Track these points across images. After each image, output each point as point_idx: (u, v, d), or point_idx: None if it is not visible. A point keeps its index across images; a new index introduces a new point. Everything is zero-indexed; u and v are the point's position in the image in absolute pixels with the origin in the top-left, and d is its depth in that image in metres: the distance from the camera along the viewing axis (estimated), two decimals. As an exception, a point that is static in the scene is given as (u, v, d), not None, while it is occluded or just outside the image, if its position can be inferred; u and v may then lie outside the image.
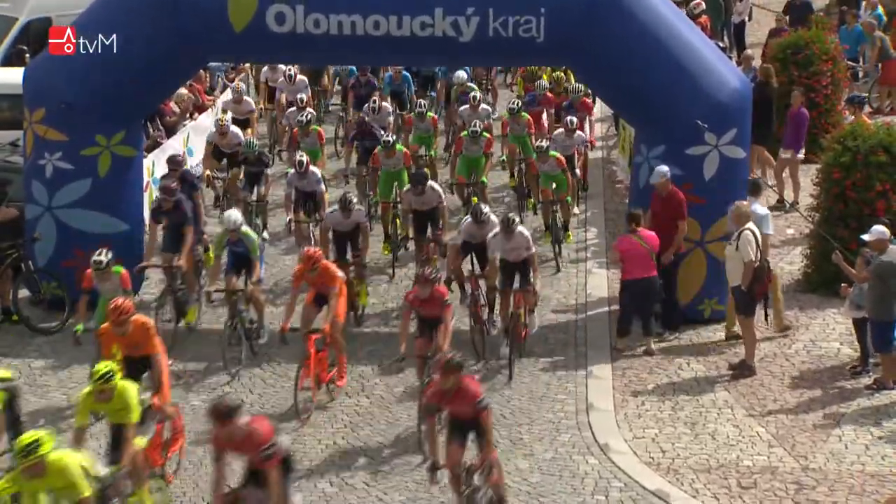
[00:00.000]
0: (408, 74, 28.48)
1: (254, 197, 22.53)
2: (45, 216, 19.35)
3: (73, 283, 18.57)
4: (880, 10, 31.00)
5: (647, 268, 18.04)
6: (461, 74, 26.97)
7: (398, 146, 22.67)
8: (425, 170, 22.16)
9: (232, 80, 28.85)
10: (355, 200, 19.55)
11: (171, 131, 24.53)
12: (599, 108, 28.82)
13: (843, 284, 17.42)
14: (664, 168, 18.50)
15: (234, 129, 23.89)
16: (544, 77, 27.58)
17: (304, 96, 25.52)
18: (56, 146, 19.19)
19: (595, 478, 15.03)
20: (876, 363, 17.25)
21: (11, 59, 27.05)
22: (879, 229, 16.98)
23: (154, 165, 22.65)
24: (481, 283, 18.83)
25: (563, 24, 18.30)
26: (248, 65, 29.69)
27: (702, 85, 18.56)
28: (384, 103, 26.17)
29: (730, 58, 25.49)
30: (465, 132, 23.42)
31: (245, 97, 26.63)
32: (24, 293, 19.51)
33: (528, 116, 24.78)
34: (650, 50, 18.42)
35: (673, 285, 18.63)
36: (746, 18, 33.35)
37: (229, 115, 25.27)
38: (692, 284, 18.83)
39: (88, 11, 19.64)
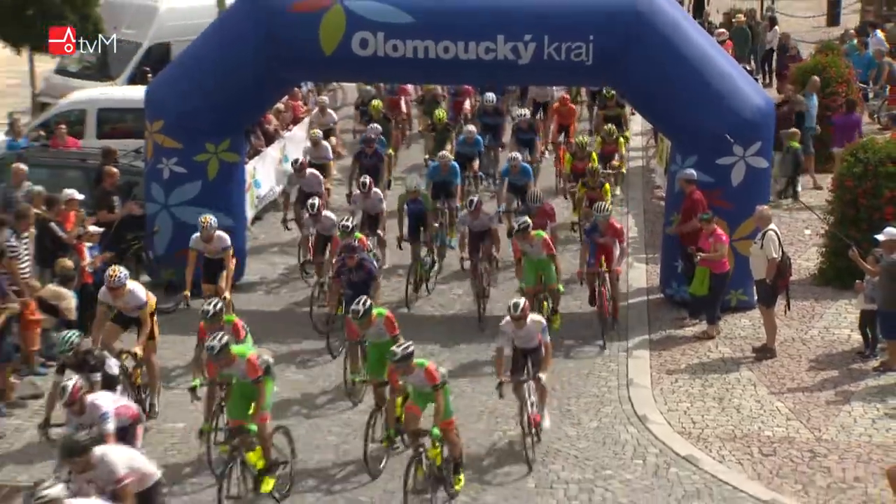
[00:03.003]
0: (456, 165, 21.75)
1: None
2: (163, 212, 19.45)
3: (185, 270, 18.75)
4: (880, 34, 30.78)
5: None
6: (415, 180, 20.64)
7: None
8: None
9: (321, 99, 28.84)
10: None
11: (269, 140, 24.57)
12: (640, 123, 28.73)
13: (857, 281, 17.21)
14: (689, 171, 18.41)
15: (312, 171, 21.25)
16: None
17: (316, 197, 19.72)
18: (172, 153, 19.28)
19: (634, 444, 14.93)
20: (882, 348, 17.03)
21: (136, 79, 27.35)
22: (892, 231, 16.74)
23: (255, 170, 22.70)
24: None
25: (609, 49, 18.14)
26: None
27: (730, 103, 18.35)
28: (375, 189, 20.15)
29: (756, 80, 25.26)
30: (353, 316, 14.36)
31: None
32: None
33: (546, 236, 17.67)
34: (685, 72, 18.25)
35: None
36: (774, 47, 33.09)
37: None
38: (721, 277, 18.63)
39: (201, 37, 19.73)
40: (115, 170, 19.93)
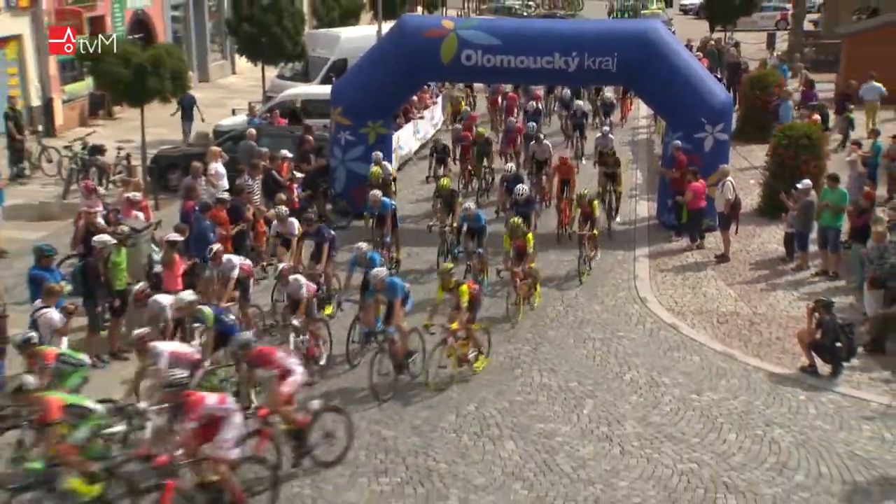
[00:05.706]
0: (376, 256, 13.08)
1: None
2: (340, 166, 19.23)
3: (354, 202, 18.57)
4: (784, 66, 29.45)
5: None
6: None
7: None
8: None
9: (441, 93, 28.33)
10: None
11: (407, 121, 24.25)
12: (644, 109, 27.84)
13: (783, 214, 16.81)
14: (677, 142, 17.89)
15: (229, 257, 13.12)
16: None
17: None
18: (346, 127, 19.02)
19: (637, 316, 14.65)
20: (798, 257, 16.53)
21: (325, 81, 27.21)
22: (806, 182, 16.43)
23: (399, 139, 22.37)
24: None
25: (627, 61, 17.57)
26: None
27: (704, 98, 17.71)
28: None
29: (722, 84, 24.35)
30: None
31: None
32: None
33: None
34: (676, 77, 17.62)
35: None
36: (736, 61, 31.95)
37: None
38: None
39: (366, 55, 19.44)
40: (311, 138, 19.82)
